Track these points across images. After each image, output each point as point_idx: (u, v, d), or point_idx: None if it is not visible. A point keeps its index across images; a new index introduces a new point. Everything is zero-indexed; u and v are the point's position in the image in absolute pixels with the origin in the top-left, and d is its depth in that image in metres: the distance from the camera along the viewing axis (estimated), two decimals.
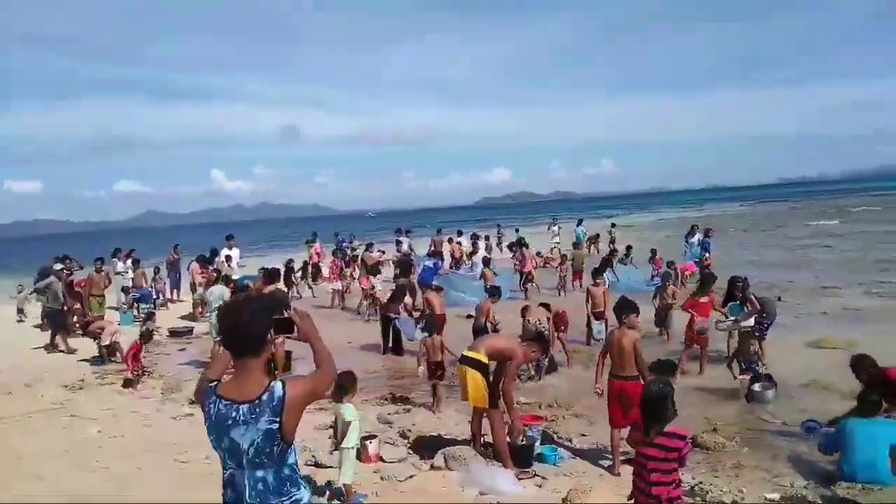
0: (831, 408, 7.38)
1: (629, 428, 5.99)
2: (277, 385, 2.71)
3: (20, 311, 16.85)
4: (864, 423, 5.80)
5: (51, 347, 13.15)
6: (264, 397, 2.69)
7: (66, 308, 14.16)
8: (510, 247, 20.41)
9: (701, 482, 5.80)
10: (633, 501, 4.08)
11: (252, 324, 2.74)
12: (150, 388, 10.05)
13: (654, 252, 19.18)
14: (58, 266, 16.24)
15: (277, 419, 2.68)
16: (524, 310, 11.01)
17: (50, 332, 13.49)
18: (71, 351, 12.84)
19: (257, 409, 2.68)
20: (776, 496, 5.56)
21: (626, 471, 5.46)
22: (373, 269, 16.11)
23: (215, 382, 2.83)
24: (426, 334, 9.27)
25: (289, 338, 3.07)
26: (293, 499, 2.77)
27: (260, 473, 2.71)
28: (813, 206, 60.94)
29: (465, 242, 22.86)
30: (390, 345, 12.09)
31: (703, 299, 9.82)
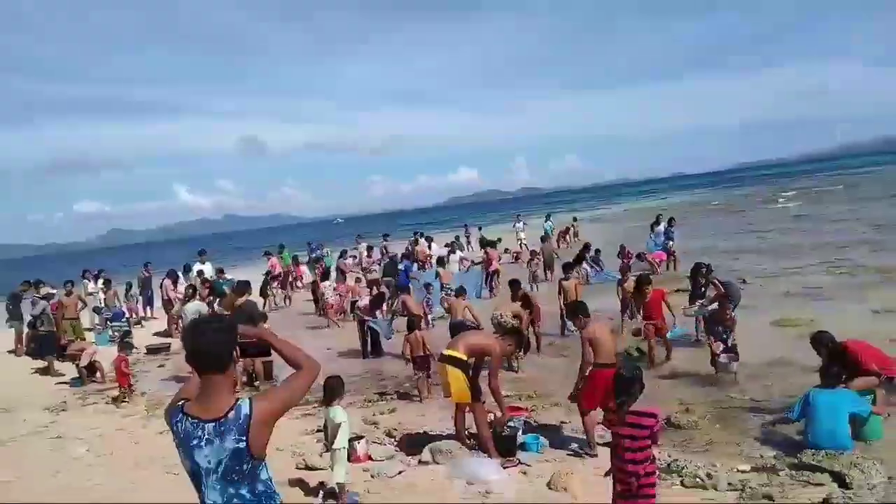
0: (795, 382, 7.78)
1: (603, 412, 6.26)
2: (244, 403, 2.69)
3: None
4: (825, 393, 6.16)
5: (51, 370, 12.99)
6: (230, 415, 2.65)
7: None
8: (481, 245, 20.69)
9: (677, 459, 6.10)
10: (611, 478, 4.35)
11: (216, 340, 2.71)
12: (133, 405, 10.09)
13: (622, 247, 19.61)
14: (24, 290, 16.08)
15: (244, 438, 2.64)
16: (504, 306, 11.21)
17: (44, 356, 13.33)
18: (57, 374, 12.77)
19: (222, 428, 2.65)
20: (747, 467, 5.89)
21: (604, 452, 5.75)
22: (324, 275, 16.54)
23: (183, 401, 2.79)
24: (407, 331, 9.68)
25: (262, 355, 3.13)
26: None
27: (232, 490, 2.69)
28: (773, 189, 62.38)
29: (435, 248, 23.06)
30: (369, 348, 12.27)
31: (648, 299, 10.07)
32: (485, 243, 19.37)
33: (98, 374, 11.97)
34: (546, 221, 27.88)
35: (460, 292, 11.72)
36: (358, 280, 18.03)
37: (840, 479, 5.34)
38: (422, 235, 25.06)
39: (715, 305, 9.43)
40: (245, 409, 2.66)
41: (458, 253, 21.26)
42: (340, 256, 20.48)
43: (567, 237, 28.03)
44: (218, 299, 14.09)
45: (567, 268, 12.97)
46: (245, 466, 2.67)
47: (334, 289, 16.25)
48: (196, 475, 2.71)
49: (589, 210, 68.20)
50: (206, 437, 2.65)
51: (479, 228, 28.42)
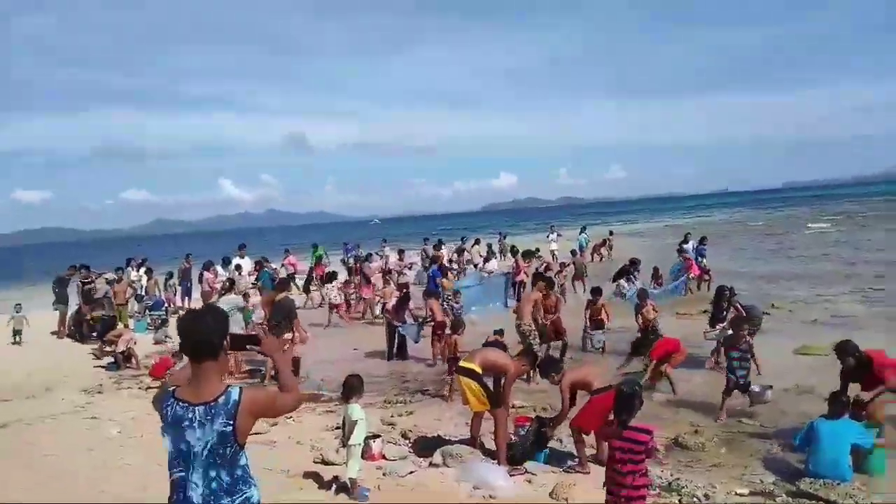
0: (808, 410, 7.83)
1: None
2: (234, 390, 2.91)
3: (17, 332, 15.41)
4: (829, 423, 6.27)
5: (101, 352, 13.50)
6: (220, 400, 2.88)
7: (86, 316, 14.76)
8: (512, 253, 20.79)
9: (678, 478, 6.27)
10: (606, 490, 4.57)
11: (209, 329, 2.96)
12: None
13: (656, 270, 19.47)
14: (71, 275, 16.84)
15: (232, 422, 2.86)
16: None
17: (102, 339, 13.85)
18: (104, 357, 13.27)
19: (212, 411, 2.86)
20: (745, 491, 6.03)
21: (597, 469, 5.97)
22: (329, 278, 16.98)
23: (173, 387, 3.01)
24: (451, 331, 10.45)
25: (259, 352, 3.49)
26: (244, 496, 2.97)
27: (213, 473, 2.89)
28: (816, 211, 61.21)
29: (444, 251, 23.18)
30: (395, 350, 12.59)
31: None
32: (515, 252, 19.48)
33: (133, 361, 12.52)
34: (581, 234, 27.91)
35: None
36: (386, 283, 18.38)
37: None
38: (440, 241, 25.20)
39: (730, 330, 9.50)
40: (234, 396, 2.91)
41: (493, 261, 21.41)
42: (366, 259, 20.81)
43: (602, 250, 28.03)
44: (260, 292, 14.67)
45: (594, 291, 12.77)
46: (228, 450, 2.91)
47: (339, 289, 16.76)
48: (183, 456, 2.91)
49: (629, 223, 67.81)
50: (198, 419, 2.87)
51: (505, 237, 28.70)
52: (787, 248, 30.16)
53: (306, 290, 20.65)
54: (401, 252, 23.49)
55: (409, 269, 21.17)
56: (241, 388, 2.96)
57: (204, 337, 2.97)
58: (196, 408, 2.90)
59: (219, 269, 19.57)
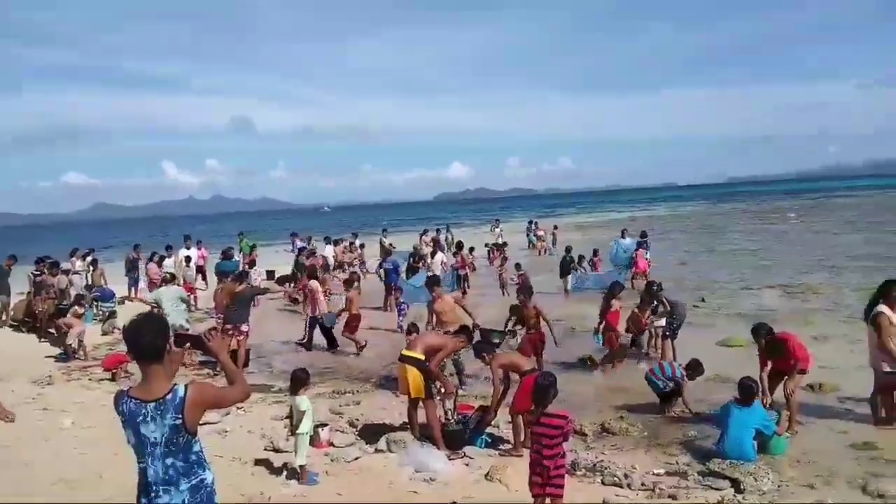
0: (726, 398, 8.55)
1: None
2: (180, 388, 3.30)
3: None
4: (738, 409, 6.95)
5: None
6: (168, 397, 3.27)
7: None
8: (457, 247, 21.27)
9: (602, 460, 6.89)
10: (530, 471, 5.11)
11: (153, 334, 3.33)
12: (118, 385, 10.75)
13: (595, 252, 20.45)
14: (10, 266, 16.62)
15: (180, 416, 3.25)
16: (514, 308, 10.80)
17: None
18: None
19: (162, 408, 3.25)
20: (662, 471, 6.68)
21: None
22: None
23: (128, 388, 3.44)
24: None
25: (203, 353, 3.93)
26: (199, 478, 3.38)
27: (170, 460, 3.29)
28: (758, 207, 63.66)
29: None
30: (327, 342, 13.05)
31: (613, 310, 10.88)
32: (460, 247, 20.06)
33: (81, 353, 12.61)
34: (529, 234, 29.39)
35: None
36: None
37: (736, 485, 6.13)
38: (385, 232, 25.53)
39: (662, 321, 10.22)
40: (180, 393, 3.31)
41: (440, 255, 21.79)
42: (300, 252, 20.94)
43: (544, 244, 29.15)
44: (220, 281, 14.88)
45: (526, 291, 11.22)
46: (181, 439, 3.31)
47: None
48: (141, 447, 3.31)
49: (577, 214, 69.24)
50: (150, 414, 3.27)
51: (447, 228, 29.53)
52: (723, 242, 31.53)
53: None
54: (351, 244, 23.67)
55: (361, 261, 21.39)
56: (186, 385, 3.35)
57: (147, 341, 3.35)
58: (148, 405, 3.30)
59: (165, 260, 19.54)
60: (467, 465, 6.95)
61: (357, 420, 8.44)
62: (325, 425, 7.76)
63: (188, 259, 19.50)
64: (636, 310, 11.18)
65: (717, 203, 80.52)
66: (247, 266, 19.86)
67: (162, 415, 3.32)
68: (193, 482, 3.40)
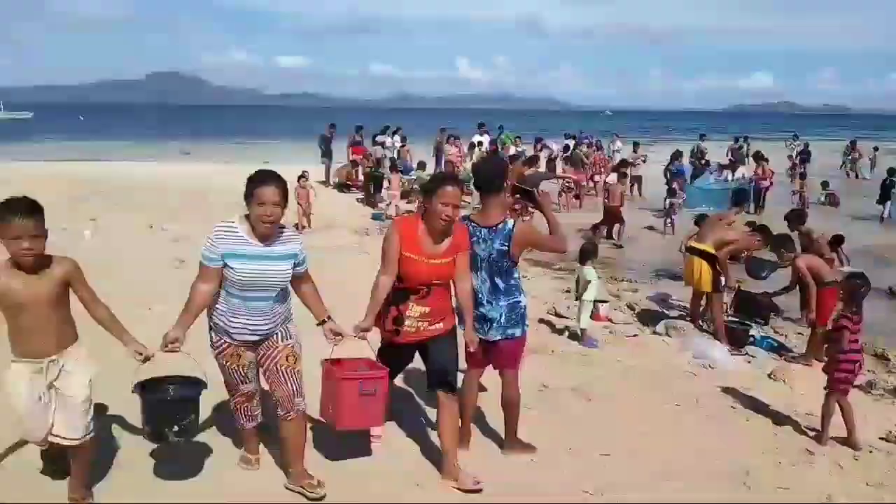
0: None
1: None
2: (510, 221, 3.99)
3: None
4: None
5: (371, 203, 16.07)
6: (499, 226, 3.97)
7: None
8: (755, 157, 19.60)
9: None
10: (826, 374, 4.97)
11: (495, 170, 4.19)
12: None
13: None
14: (332, 134, 19.26)
15: (507, 244, 3.94)
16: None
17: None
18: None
19: (493, 233, 3.96)
20: None
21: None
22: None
23: (469, 214, 4.24)
24: None
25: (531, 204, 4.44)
26: (516, 299, 4.06)
27: (494, 278, 4.00)
28: None
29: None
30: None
31: None
32: (759, 158, 18.43)
33: (392, 211, 14.51)
34: (846, 156, 26.07)
35: None
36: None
37: None
38: (703, 137, 23.69)
39: None
40: (510, 225, 3.99)
41: (742, 168, 20.38)
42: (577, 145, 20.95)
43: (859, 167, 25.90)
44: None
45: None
46: (505, 264, 4.01)
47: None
48: (474, 262, 3.98)
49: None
50: (483, 237, 4.00)
51: (745, 140, 26.62)
52: None
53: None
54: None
55: (643, 161, 20.81)
56: (514, 221, 4.04)
57: (491, 177, 4.12)
58: (483, 229, 4.02)
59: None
60: (749, 362, 6.84)
61: (636, 304, 8.67)
62: (605, 302, 8.12)
63: (480, 144, 20.73)
64: None
65: None
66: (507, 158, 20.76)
67: (492, 239, 3.99)
68: (511, 301, 4.08)
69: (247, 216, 3.47)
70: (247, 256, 3.43)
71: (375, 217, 14.47)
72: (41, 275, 3.20)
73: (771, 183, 17.44)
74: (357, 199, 16.91)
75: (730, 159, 21.72)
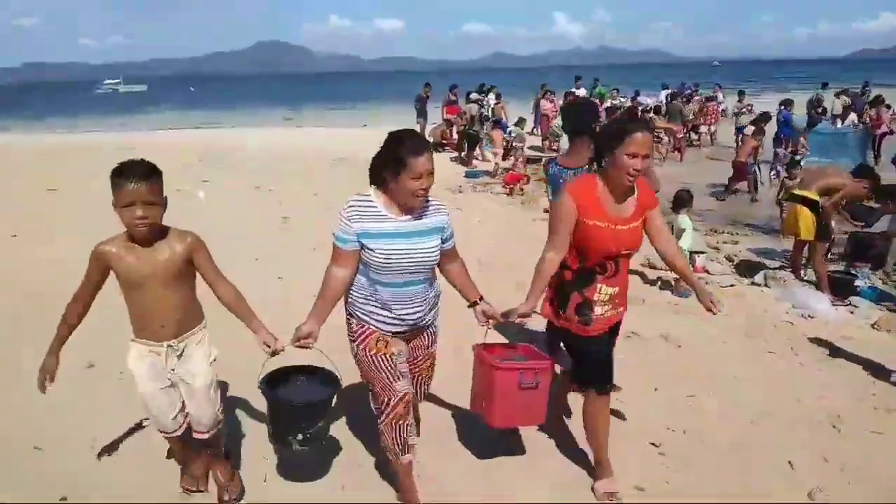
0: None
1: None
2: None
3: None
4: None
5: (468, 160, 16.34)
6: (585, 167, 4.05)
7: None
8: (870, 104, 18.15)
9: None
10: None
11: (586, 114, 4.31)
12: (513, 199, 12.39)
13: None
14: (427, 95, 19.51)
15: None
16: None
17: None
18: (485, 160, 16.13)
19: (580, 174, 3.94)
20: None
21: None
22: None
23: (555, 156, 4.38)
24: None
25: None
26: None
27: None
28: None
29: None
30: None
31: None
32: (878, 102, 17.12)
33: (494, 168, 14.75)
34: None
35: None
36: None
37: None
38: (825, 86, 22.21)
39: None
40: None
41: (852, 114, 19.13)
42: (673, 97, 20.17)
43: None
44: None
45: None
46: None
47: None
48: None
49: None
50: (570, 179, 3.98)
51: (865, 85, 24.70)
52: None
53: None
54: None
55: (749, 110, 19.87)
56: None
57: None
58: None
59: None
60: (852, 312, 6.59)
61: (735, 256, 8.47)
62: (702, 253, 7.97)
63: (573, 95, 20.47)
64: None
65: None
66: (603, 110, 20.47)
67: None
68: None
69: (381, 189, 3.00)
70: (388, 234, 2.92)
71: (469, 175, 14.61)
72: (158, 248, 2.84)
73: (891, 131, 16.23)
74: (451, 158, 17.11)
75: (843, 107, 20.34)
